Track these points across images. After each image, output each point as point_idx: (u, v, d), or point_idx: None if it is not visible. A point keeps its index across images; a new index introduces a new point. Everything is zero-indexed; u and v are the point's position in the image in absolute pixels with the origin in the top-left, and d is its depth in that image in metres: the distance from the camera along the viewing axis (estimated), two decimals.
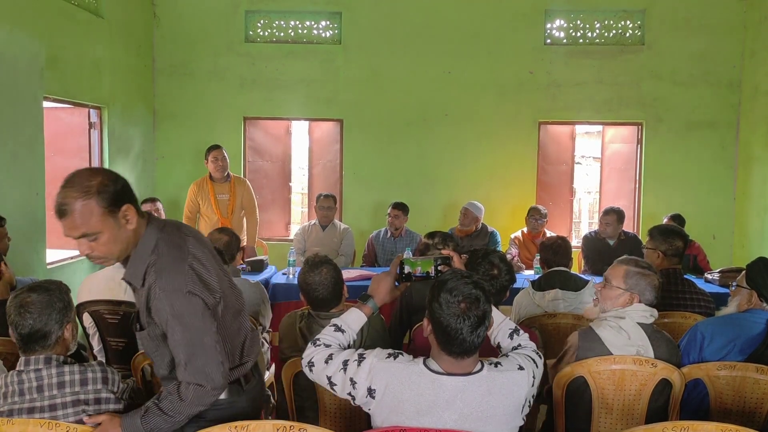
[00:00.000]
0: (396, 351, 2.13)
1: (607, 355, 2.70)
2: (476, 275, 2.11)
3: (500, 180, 7.42)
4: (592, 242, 6.02)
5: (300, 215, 9.98)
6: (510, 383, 2.04)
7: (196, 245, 2.16)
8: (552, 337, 3.55)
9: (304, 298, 2.95)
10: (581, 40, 7.37)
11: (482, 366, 2.05)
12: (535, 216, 6.23)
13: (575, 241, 7.57)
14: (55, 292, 2.24)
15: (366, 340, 2.83)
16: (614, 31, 7.34)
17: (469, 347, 1.99)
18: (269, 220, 7.74)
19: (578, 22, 7.36)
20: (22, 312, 2.18)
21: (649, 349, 2.69)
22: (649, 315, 2.76)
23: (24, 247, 5.03)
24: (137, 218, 2.06)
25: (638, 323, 2.73)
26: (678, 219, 5.92)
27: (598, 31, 7.35)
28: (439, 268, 2.50)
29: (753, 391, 2.67)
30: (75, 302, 3.68)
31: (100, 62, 6.26)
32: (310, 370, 2.25)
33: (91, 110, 6.28)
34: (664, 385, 2.70)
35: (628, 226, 6.94)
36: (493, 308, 2.38)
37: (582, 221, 11.01)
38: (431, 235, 3.95)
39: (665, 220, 5.92)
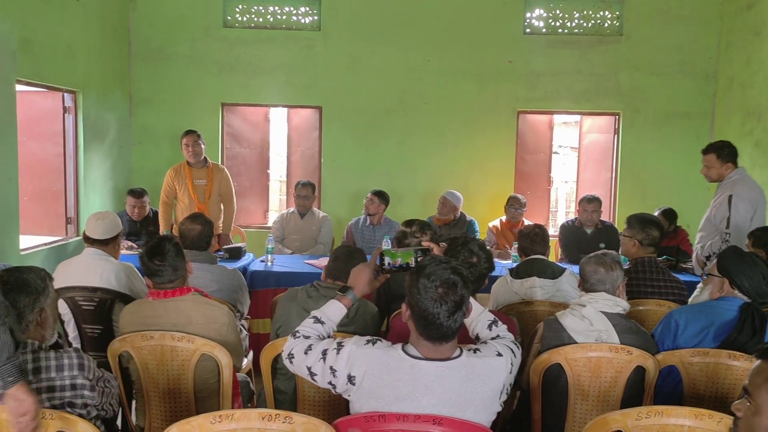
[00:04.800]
0: (375, 338, 2.14)
1: (571, 342, 2.75)
2: (455, 261, 2.12)
3: (479, 169, 7.44)
4: (569, 231, 6.06)
5: (278, 202, 9.93)
6: (489, 369, 2.06)
7: None
8: (529, 325, 3.57)
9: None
10: (560, 30, 7.40)
11: (461, 352, 2.06)
12: (514, 205, 6.25)
13: (552, 230, 7.62)
14: (28, 274, 2.19)
15: (356, 323, 2.88)
16: (593, 21, 7.37)
17: (446, 332, 2.00)
18: (247, 207, 7.69)
19: (557, 11, 7.38)
20: None
21: (612, 335, 2.74)
22: (613, 304, 2.81)
23: None
24: None
25: (603, 312, 2.77)
26: (670, 213, 5.84)
27: (577, 20, 7.38)
28: (419, 259, 2.52)
29: (725, 377, 2.71)
30: None
31: (75, 45, 6.14)
32: (291, 362, 2.26)
33: (65, 94, 6.16)
34: (639, 371, 2.75)
35: (604, 216, 6.99)
36: (472, 300, 2.40)
37: (559, 210, 11.09)
38: (409, 223, 3.95)
39: (656, 214, 5.79)
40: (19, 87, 5.37)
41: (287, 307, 3.03)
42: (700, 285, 3.48)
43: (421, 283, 2.00)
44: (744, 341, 2.70)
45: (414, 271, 2.07)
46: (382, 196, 6.15)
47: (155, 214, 6.16)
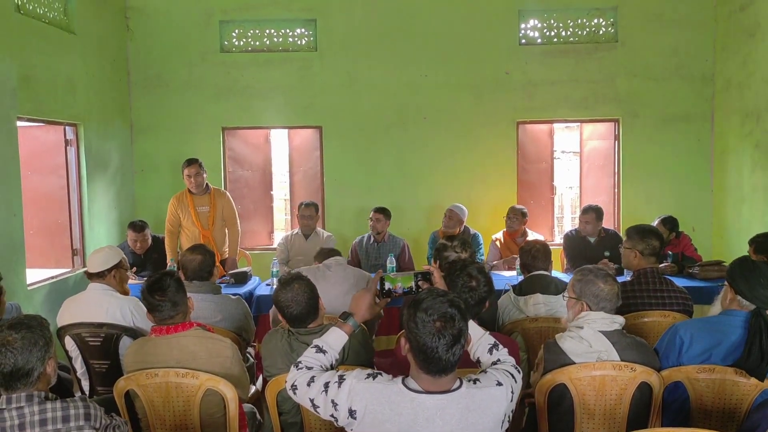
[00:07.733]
0: (375, 371, 2.15)
1: (571, 365, 2.73)
2: (452, 294, 2.12)
3: (480, 181, 7.44)
4: (573, 240, 6.06)
5: (284, 222, 9.96)
6: (489, 399, 2.06)
7: None
8: (535, 342, 3.59)
9: (281, 316, 2.96)
10: (555, 39, 7.41)
11: (461, 383, 2.07)
12: (509, 215, 6.26)
13: (558, 238, 7.61)
14: (36, 328, 2.20)
15: (348, 354, 2.85)
16: (587, 29, 7.38)
17: (445, 365, 2.00)
18: (252, 229, 7.72)
19: (552, 21, 7.40)
20: (3, 351, 2.14)
21: (612, 353, 2.72)
22: (610, 322, 2.79)
23: (3, 269, 4.98)
24: None
25: (601, 331, 2.76)
26: (670, 221, 5.80)
27: (571, 29, 7.39)
28: (420, 283, 2.52)
29: (733, 393, 2.70)
30: (56, 325, 3.69)
31: (74, 79, 6.20)
32: (294, 393, 2.28)
33: (66, 127, 6.21)
34: (645, 388, 2.74)
35: (608, 222, 7.00)
36: (473, 324, 2.41)
37: (565, 216, 11.07)
38: (451, 238, 3.94)
39: (656, 222, 5.77)
40: (20, 123, 5.42)
41: (273, 356, 2.95)
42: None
43: (418, 317, 2.01)
44: (752, 367, 2.64)
45: (411, 305, 2.07)
46: (385, 213, 6.19)
47: (158, 241, 6.13)
